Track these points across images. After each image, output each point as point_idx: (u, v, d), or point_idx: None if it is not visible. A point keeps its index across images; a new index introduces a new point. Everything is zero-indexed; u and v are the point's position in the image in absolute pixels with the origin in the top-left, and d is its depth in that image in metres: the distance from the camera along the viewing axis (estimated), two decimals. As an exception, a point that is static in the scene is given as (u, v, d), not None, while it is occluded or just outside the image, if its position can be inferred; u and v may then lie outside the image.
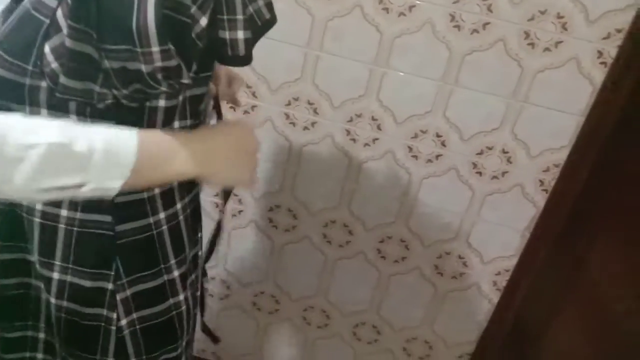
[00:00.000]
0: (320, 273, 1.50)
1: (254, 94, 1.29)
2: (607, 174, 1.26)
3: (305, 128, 1.31)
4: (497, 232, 1.32)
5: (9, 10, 0.62)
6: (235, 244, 1.52)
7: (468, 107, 1.20)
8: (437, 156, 1.27)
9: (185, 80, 0.58)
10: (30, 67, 0.57)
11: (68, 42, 0.54)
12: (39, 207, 0.66)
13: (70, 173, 0.51)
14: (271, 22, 0.67)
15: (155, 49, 0.53)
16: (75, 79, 0.56)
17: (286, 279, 1.54)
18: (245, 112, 1.32)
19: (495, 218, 1.31)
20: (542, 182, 1.25)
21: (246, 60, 0.64)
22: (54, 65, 0.56)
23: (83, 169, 0.51)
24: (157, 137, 0.60)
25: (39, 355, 0.80)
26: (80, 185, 0.51)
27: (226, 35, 0.61)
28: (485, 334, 1.47)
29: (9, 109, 0.60)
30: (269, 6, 0.67)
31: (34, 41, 0.57)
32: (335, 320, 1.56)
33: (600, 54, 1.10)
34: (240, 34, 0.61)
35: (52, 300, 0.71)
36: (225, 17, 0.60)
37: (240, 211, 1.46)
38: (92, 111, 0.60)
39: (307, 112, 1.28)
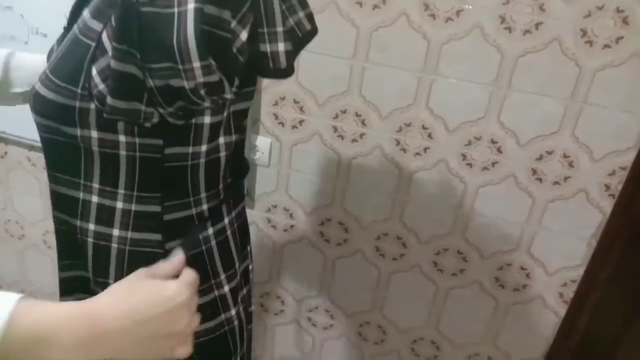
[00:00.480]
0: (374, 287, 1.47)
1: (301, 109, 1.29)
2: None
3: (354, 140, 1.29)
4: (561, 241, 1.25)
5: (62, 39, 0.64)
6: (288, 259, 1.51)
7: (523, 111, 1.15)
8: (494, 163, 1.22)
9: (228, 95, 0.58)
10: (79, 90, 0.59)
11: (113, 64, 0.55)
12: (91, 227, 0.67)
13: None
14: (312, 33, 0.67)
15: (197, 64, 0.53)
16: (122, 99, 0.57)
17: (340, 294, 1.52)
18: (294, 127, 1.32)
19: (559, 226, 1.24)
20: (607, 187, 1.17)
21: (288, 72, 0.63)
22: (101, 87, 0.57)
23: None
24: (38, 311, 0.45)
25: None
26: None
27: (267, 48, 0.60)
28: (553, 349, 1.38)
29: (60, 132, 0.63)
30: (310, 17, 0.66)
31: (82, 64, 0.58)
32: (391, 336, 1.52)
33: (666, 47, 1.03)
34: (281, 47, 0.61)
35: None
36: (265, 30, 0.59)
37: (292, 226, 1.46)
38: (139, 131, 0.61)
39: (355, 124, 1.27)
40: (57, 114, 0.61)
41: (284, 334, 1.65)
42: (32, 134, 1.48)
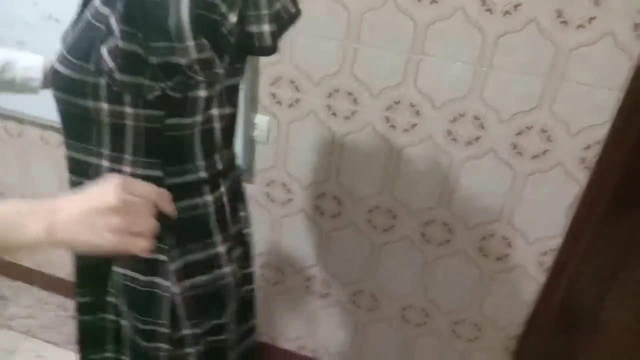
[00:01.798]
0: (367, 258, 1.56)
1: (297, 88, 1.37)
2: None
3: (347, 118, 1.37)
4: (540, 212, 1.33)
5: (76, 22, 0.73)
6: (286, 231, 1.61)
7: (504, 88, 1.22)
8: (477, 138, 1.30)
9: (219, 70, 0.66)
10: (92, 67, 0.68)
11: (120, 44, 0.64)
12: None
13: None
14: (296, 15, 0.75)
15: (191, 43, 0.61)
16: (128, 74, 0.66)
17: (335, 264, 1.61)
18: (290, 105, 1.40)
19: (538, 198, 1.32)
20: (583, 160, 1.25)
21: (273, 50, 0.72)
22: (110, 64, 0.66)
23: None
24: (5, 207, 0.59)
25: (111, 316, 0.91)
26: None
27: (254, 29, 0.68)
28: (533, 315, 1.47)
29: (75, 104, 0.71)
30: (294, 1, 0.74)
31: (93, 45, 0.67)
32: (383, 303, 1.62)
33: (636, 27, 1.09)
34: (266, 27, 0.69)
35: (116, 268, 0.82)
36: (252, 12, 0.68)
37: (289, 200, 1.55)
38: (144, 102, 0.70)
39: (348, 102, 1.35)
40: (72, 88, 0.70)
41: (284, 302, 1.75)
42: (46, 113, 1.57)
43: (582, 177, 1.27)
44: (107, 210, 0.59)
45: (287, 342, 1.83)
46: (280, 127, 1.44)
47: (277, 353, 1.85)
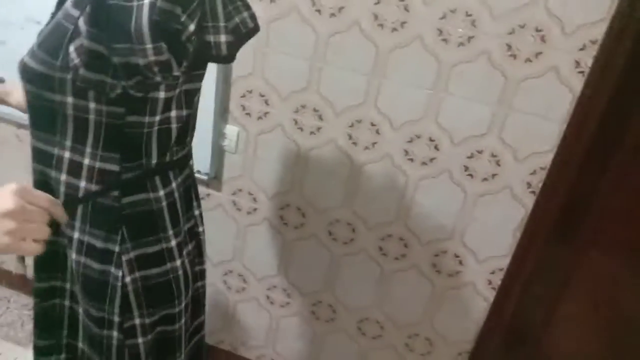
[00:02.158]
0: (327, 269, 1.62)
1: (266, 102, 1.45)
2: (593, 177, 1.33)
3: (312, 133, 1.45)
4: (490, 232, 1.41)
5: (52, 17, 0.80)
6: (251, 239, 1.66)
7: (458, 114, 1.30)
8: (431, 159, 1.38)
9: (176, 73, 0.73)
10: (58, 63, 0.74)
11: (86, 43, 0.70)
12: (63, 177, 0.82)
13: None
14: (254, 30, 0.82)
15: (149, 45, 0.68)
16: (91, 71, 0.72)
17: (296, 274, 1.66)
18: (259, 118, 1.47)
19: (488, 219, 1.39)
20: (529, 185, 1.33)
21: (229, 59, 0.79)
22: (76, 60, 0.72)
23: None
24: None
25: (66, 302, 0.96)
26: None
27: (211, 38, 0.76)
28: (482, 332, 1.53)
29: (42, 97, 0.77)
30: (252, 17, 0.82)
31: (62, 42, 0.73)
32: (341, 314, 1.67)
33: (577, 63, 1.19)
34: (223, 38, 0.76)
35: (73, 255, 0.87)
36: (210, 24, 0.75)
37: (255, 209, 1.61)
38: (106, 99, 0.76)
39: (313, 118, 1.42)
40: (40, 82, 0.76)
41: (245, 311, 1.79)
42: (20, 113, 1.62)
43: (528, 201, 1.35)
44: (4, 214, 0.63)
45: (247, 350, 1.86)
46: (249, 138, 1.51)
47: (236, 361, 1.88)
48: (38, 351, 1.01)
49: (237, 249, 1.70)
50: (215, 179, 1.60)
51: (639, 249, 1.41)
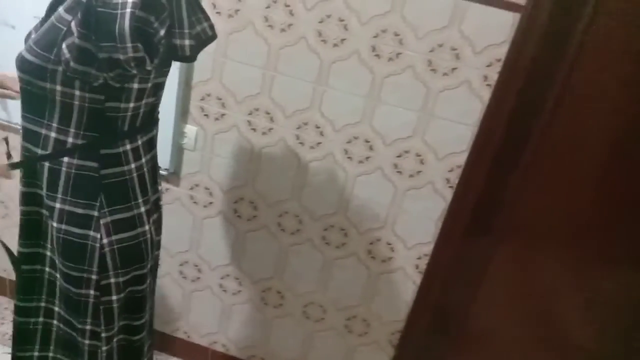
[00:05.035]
0: (276, 258, 1.79)
1: (223, 105, 1.63)
2: (503, 173, 1.57)
3: (264, 133, 1.64)
4: (416, 222, 1.63)
5: (43, 21, 0.97)
6: (206, 231, 1.82)
7: (388, 118, 1.53)
8: (367, 158, 1.59)
9: (149, 68, 0.91)
10: (52, 57, 0.91)
11: (76, 41, 0.87)
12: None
13: None
14: (212, 37, 1.02)
15: (129, 44, 0.86)
16: (80, 64, 0.89)
17: (248, 263, 1.83)
18: (216, 119, 1.65)
19: (414, 210, 1.61)
20: (448, 180, 1.56)
21: (191, 59, 0.98)
22: (68, 55, 0.89)
23: None
24: None
25: (47, 269, 1.10)
26: None
27: (177, 42, 0.94)
28: (412, 312, 1.74)
29: (35, 85, 0.94)
30: (211, 27, 1.01)
31: (55, 41, 0.90)
32: (288, 300, 1.84)
33: (486, 78, 1.43)
34: (187, 42, 0.95)
35: (54, 224, 1.02)
36: (177, 30, 0.93)
37: (210, 202, 1.77)
38: (90, 88, 0.93)
39: (265, 120, 1.61)
40: (35, 72, 0.93)
41: (199, 299, 1.94)
42: (5, 116, 1.73)
43: (447, 195, 1.58)
44: None
45: (200, 337, 2.01)
46: (207, 137, 1.68)
47: (190, 348, 2.02)
48: (19, 311, 1.14)
49: (193, 241, 1.85)
50: (174, 175, 1.76)
51: (544, 235, 1.66)
